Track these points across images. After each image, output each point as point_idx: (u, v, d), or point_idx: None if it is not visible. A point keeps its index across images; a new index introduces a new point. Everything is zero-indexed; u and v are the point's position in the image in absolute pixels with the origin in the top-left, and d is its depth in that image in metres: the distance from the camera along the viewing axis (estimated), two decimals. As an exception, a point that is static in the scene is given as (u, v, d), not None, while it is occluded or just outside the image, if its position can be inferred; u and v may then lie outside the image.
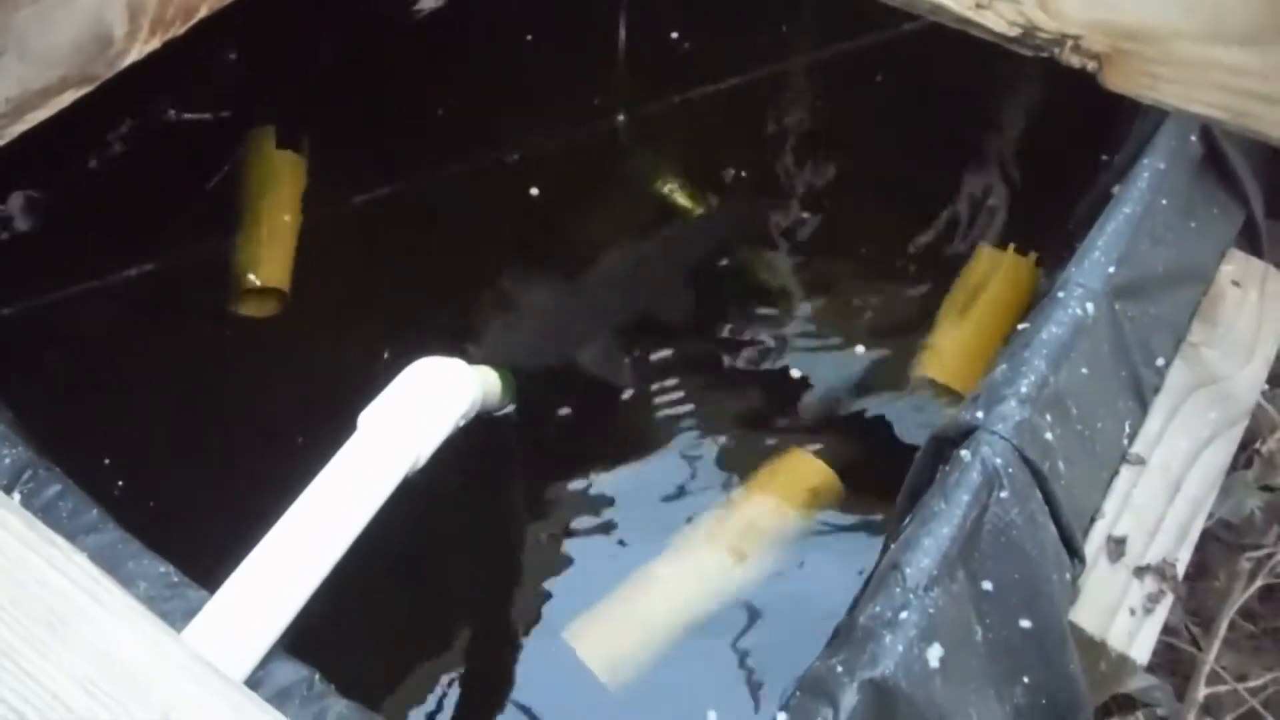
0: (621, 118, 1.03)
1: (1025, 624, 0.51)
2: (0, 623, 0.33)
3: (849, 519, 0.82)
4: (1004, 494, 0.51)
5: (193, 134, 0.98)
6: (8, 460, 0.55)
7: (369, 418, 0.58)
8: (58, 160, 0.90)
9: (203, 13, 0.72)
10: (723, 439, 0.86)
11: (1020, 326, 0.59)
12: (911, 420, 0.88)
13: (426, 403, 0.60)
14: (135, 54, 0.69)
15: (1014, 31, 0.66)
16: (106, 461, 0.69)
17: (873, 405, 0.88)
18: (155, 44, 0.70)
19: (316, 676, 0.50)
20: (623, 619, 0.77)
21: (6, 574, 0.34)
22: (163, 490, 0.72)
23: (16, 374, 0.65)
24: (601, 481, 0.84)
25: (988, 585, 0.50)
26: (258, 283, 0.88)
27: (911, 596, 0.47)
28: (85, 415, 0.74)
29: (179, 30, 0.71)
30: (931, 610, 0.47)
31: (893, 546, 0.51)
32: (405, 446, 0.58)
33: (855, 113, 1.03)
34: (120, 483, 0.69)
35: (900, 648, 0.45)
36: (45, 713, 0.31)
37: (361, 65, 1.05)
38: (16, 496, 0.54)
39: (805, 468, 0.84)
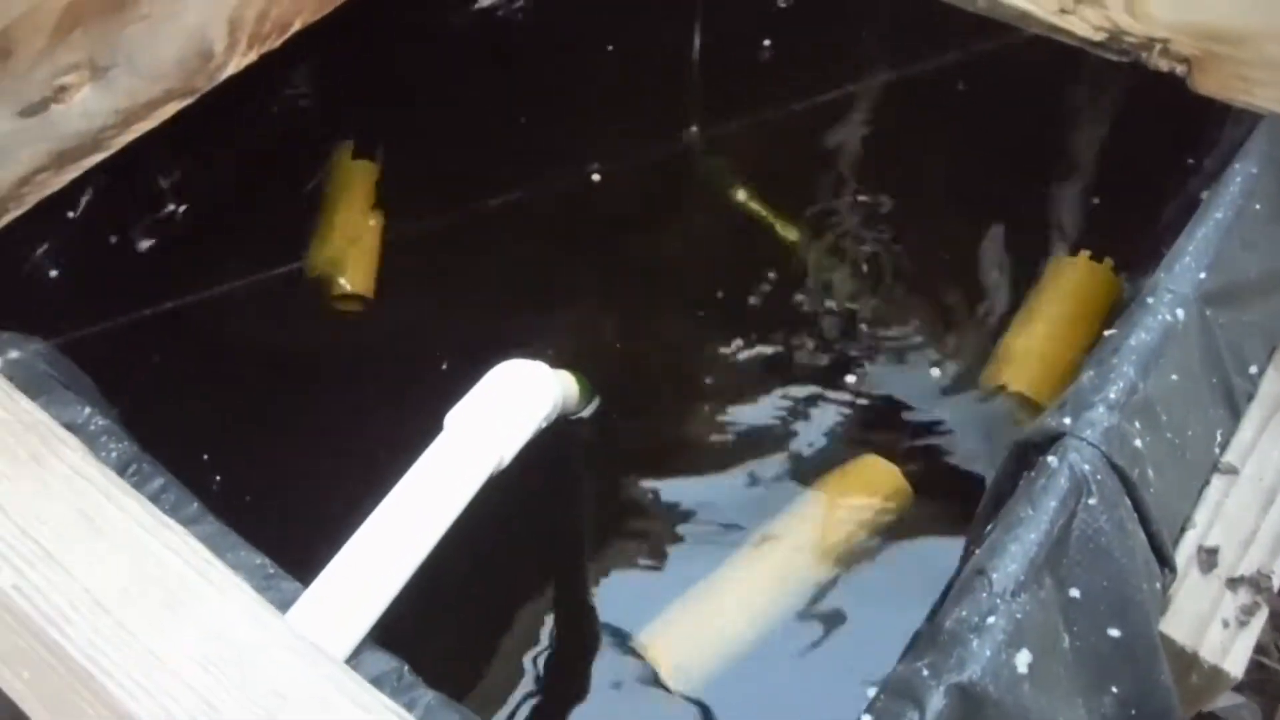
0: (694, 128, 1.04)
1: (1114, 633, 0.50)
2: (124, 603, 0.34)
3: (920, 526, 0.81)
4: (1092, 501, 0.51)
5: (278, 147, 1.02)
6: (114, 454, 0.57)
7: (455, 418, 0.60)
8: (152, 175, 0.94)
9: (297, 26, 0.75)
10: (794, 446, 0.86)
11: (1107, 333, 0.58)
12: (984, 428, 0.87)
13: (511, 404, 0.62)
14: (233, 67, 0.72)
15: (1100, 36, 0.65)
16: (205, 457, 0.72)
17: (945, 413, 0.88)
18: (252, 57, 0.73)
19: (405, 668, 0.51)
20: (694, 625, 0.78)
21: (128, 555, 0.35)
22: (256, 486, 0.74)
23: (122, 374, 0.68)
24: (672, 487, 0.84)
25: (1075, 593, 0.50)
26: (348, 287, 0.90)
27: (999, 602, 0.47)
28: (186, 413, 0.77)
29: (274, 44, 0.74)
30: (1019, 616, 0.46)
31: (978, 552, 0.51)
32: (491, 446, 0.59)
33: (934, 119, 1.02)
34: (218, 478, 0.71)
35: (988, 652, 0.45)
36: (167, 688, 0.32)
37: (439, 77, 1.07)
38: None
39: (878, 473, 0.83)
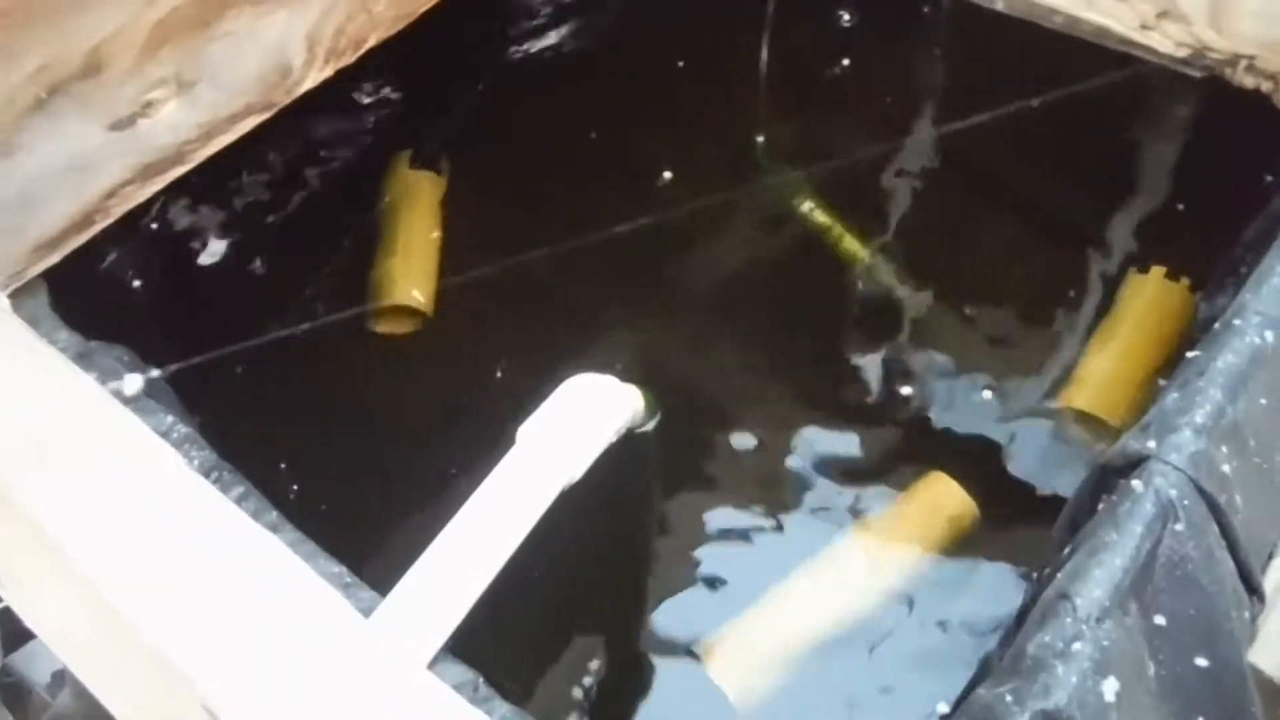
0: (761, 138, 1.04)
1: (1201, 662, 0.49)
2: (216, 605, 0.35)
3: (985, 546, 0.79)
4: (1178, 526, 0.50)
5: (345, 164, 1.03)
6: (196, 461, 0.58)
7: (527, 432, 0.60)
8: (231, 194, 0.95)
9: (371, 42, 0.76)
10: (859, 462, 0.85)
11: (1190, 354, 0.57)
12: (1053, 449, 0.86)
13: (583, 418, 0.62)
14: (310, 82, 0.74)
15: (1182, 52, 0.64)
16: (283, 466, 0.73)
17: (1011, 432, 0.86)
18: (328, 72, 0.75)
19: (481, 680, 0.51)
20: (754, 637, 0.77)
21: (220, 557, 0.36)
22: (333, 495, 0.75)
23: (208, 386, 0.69)
24: (736, 501, 0.84)
25: (1161, 620, 0.49)
26: (421, 299, 0.91)
27: (1084, 628, 0.46)
28: (266, 425, 0.78)
29: (349, 60, 0.75)
30: (1105, 643, 0.46)
31: (1059, 576, 0.50)
32: (563, 460, 0.59)
33: (1003, 135, 1.01)
34: (295, 486, 0.72)
35: (1074, 679, 0.44)
36: (254, 689, 0.33)
37: (509, 94, 1.08)
38: (204, 496, 0.58)
39: (943, 492, 0.82)
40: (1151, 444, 0.52)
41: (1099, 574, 0.48)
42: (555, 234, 0.95)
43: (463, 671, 0.51)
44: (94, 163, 0.63)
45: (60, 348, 0.63)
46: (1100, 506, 0.54)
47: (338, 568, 0.55)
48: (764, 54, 1.00)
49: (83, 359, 0.63)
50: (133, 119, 0.64)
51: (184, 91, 0.66)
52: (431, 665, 0.51)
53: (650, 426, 0.85)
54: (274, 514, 0.57)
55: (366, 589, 0.54)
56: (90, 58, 0.60)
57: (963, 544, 0.80)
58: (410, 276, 0.93)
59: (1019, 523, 0.81)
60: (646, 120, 1.05)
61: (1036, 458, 0.86)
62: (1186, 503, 0.50)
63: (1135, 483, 0.51)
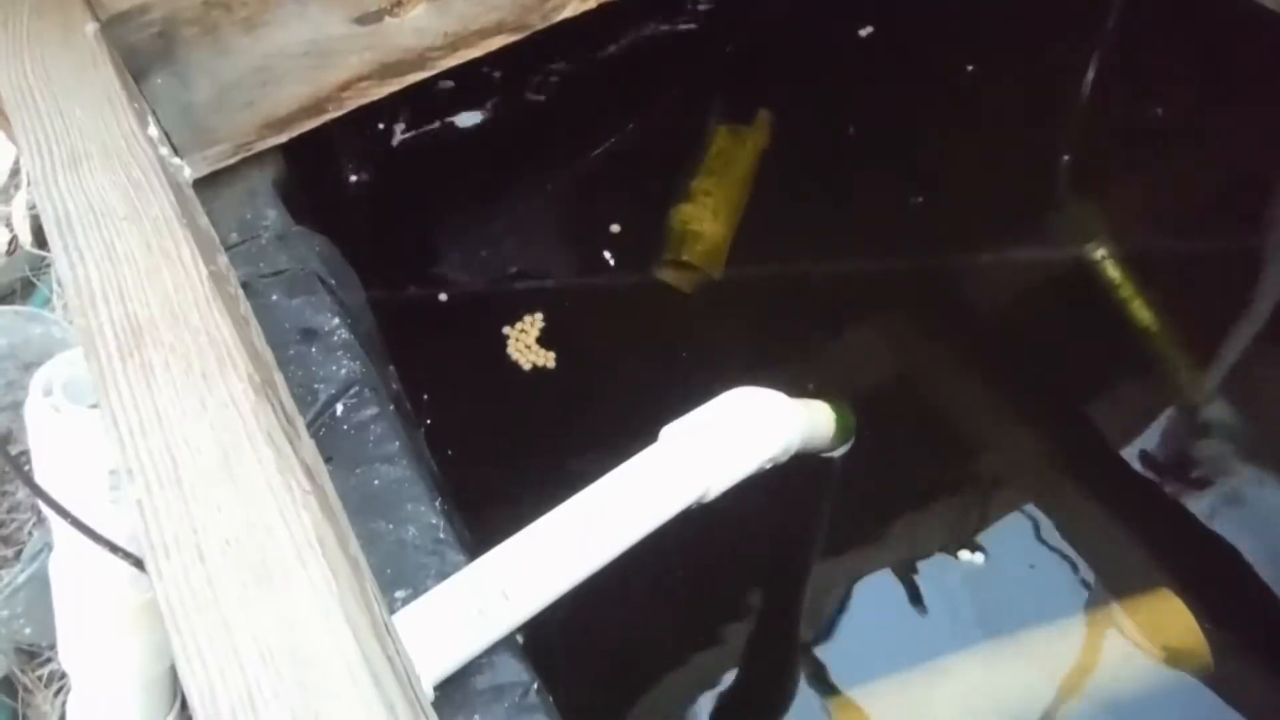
0: (1066, 157, 0.90)
1: None
2: (221, 560, 0.32)
3: (1206, 688, 0.66)
4: None
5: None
6: (343, 371, 0.58)
7: (671, 434, 0.54)
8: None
9: (644, -20, 0.72)
10: (1085, 547, 0.73)
11: None
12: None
13: (734, 434, 0.55)
14: (570, 10, 0.70)
15: None
16: (425, 397, 0.72)
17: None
18: (591, 3, 0.71)
19: (535, 686, 0.47)
20: (896, 708, 0.68)
21: (245, 511, 0.33)
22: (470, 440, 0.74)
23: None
24: (925, 551, 0.74)
25: None
26: (714, 268, 0.87)
27: None
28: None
29: (619, -6, 0.71)
30: None
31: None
32: (700, 474, 0.53)
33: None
34: (429, 421, 0.71)
35: None
36: (221, 665, 0.30)
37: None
38: (340, 407, 0.57)
39: (1168, 615, 0.70)
40: None
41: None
42: (839, 221, 0.88)
43: (518, 671, 0.47)
44: (333, 52, 0.63)
45: (265, 224, 0.65)
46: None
47: (436, 519, 0.53)
48: (1090, 74, 0.86)
49: (281, 240, 0.64)
50: (379, 15, 0.63)
51: (436, -3, 0.64)
52: (487, 654, 0.47)
53: (840, 452, 0.76)
54: (396, 445, 0.56)
55: (457, 550, 0.51)
56: (346, -54, 0.59)
57: (1179, 678, 0.67)
58: (706, 240, 0.89)
59: (1256, 673, 0.68)
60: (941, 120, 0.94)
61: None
62: None
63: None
